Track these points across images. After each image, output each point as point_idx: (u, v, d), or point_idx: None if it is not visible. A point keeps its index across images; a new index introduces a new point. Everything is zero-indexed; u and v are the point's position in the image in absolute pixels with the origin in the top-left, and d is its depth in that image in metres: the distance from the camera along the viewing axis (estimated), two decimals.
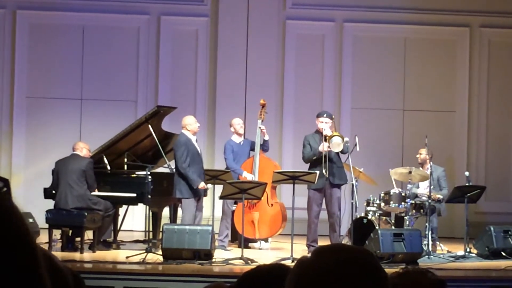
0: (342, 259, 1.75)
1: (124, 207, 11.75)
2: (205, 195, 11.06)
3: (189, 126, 10.94)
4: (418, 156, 12.04)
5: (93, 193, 10.73)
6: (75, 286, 3.73)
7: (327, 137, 10.76)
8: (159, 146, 11.13)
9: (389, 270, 3.02)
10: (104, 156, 11.34)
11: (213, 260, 9.80)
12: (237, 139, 11.71)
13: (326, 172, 10.73)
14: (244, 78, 14.06)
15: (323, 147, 10.75)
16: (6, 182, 1.28)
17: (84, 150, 10.90)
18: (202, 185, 10.65)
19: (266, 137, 11.65)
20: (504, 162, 14.45)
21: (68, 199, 10.52)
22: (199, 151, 10.97)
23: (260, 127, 11.62)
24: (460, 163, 14.28)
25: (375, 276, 1.75)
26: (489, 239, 10.69)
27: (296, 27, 14.40)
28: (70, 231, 10.70)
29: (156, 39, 14.24)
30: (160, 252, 9.93)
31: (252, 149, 11.74)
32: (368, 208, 11.37)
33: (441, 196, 11.67)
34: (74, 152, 10.84)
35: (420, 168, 11.78)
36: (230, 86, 14.04)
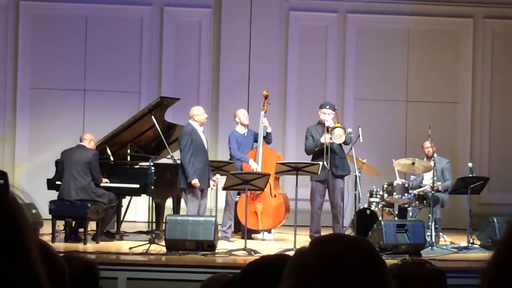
0: (340, 249, 1.75)
1: (127, 198, 11.75)
2: (209, 186, 11.02)
3: (197, 116, 10.91)
4: (428, 150, 11.90)
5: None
6: (87, 274, 3.74)
7: (329, 129, 10.77)
8: (162, 137, 11.14)
9: (391, 261, 3.01)
10: (107, 147, 11.35)
11: (216, 251, 9.81)
12: (241, 130, 11.70)
13: (327, 164, 10.73)
14: (247, 69, 14.05)
15: (325, 138, 10.76)
16: (4, 175, 1.24)
17: (91, 143, 10.88)
18: (195, 181, 10.58)
19: (269, 130, 11.64)
20: (507, 153, 14.44)
21: (71, 190, 10.52)
22: (205, 142, 10.93)
23: (262, 123, 11.60)
24: (463, 154, 14.26)
25: (373, 265, 1.75)
26: (492, 230, 10.69)
27: (299, 18, 14.38)
28: (74, 222, 10.72)
29: (159, 30, 14.24)
30: (163, 243, 9.94)
31: (256, 140, 11.73)
32: (371, 199, 11.37)
33: (440, 186, 11.62)
34: (81, 143, 10.82)
35: (425, 160, 11.77)
36: (233, 77, 14.03)
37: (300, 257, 1.78)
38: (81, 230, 10.65)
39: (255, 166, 11.38)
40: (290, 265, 1.78)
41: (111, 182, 10.94)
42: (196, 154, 10.69)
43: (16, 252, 1.10)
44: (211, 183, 10.90)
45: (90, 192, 10.54)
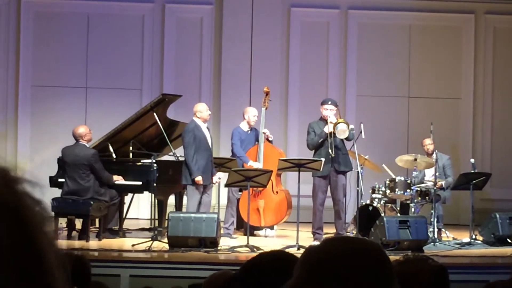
0: (351, 249, 1.76)
1: (130, 195, 11.76)
2: (212, 182, 11.01)
3: (199, 113, 10.91)
4: (428, 147, 11.93)
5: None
6: (79, 268, 3.75)
7: (332, 124, 10.76)
8: (164, 134, 11.14)
9: (394, 257, 3.02)
10: (109, 144, 11.35)
11: (219, 248, 9.81)
12: (245, 127, 11.70)
13: (331, 151, 10.69)
14: (249, 65, 14.04)
15: (329, 128, 10.73)
16: (29, 182, 1.19)
17: (87, 136, 10.79)
18: (198, 179, 10.58)
19: (271, 138, 11.74)
20: (509, 149, 14.43)
21: (73, 191, 10.50)
22: (209, 139, 10.92)
23: (263, 132, 11.65)
24: (465, 150, 14.26)
25: (382, 268, 1.76)
26: (495, 226, 10.69)
27: (300, 15, 14.38)
28: (82, 221, 10.71)
29: (161, 27, 14.23)
30: (165, 240, 9.95)
31: (257, 139, 11.74)
32: (374, 196, 11.38)
33: (443, 183, 11.64)
34: (80, 142, 10.76)
35: (426, 156, 11.78)
36: (235, 74, 14.03)
37: (310, 254, 1.79)
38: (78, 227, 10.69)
39: (257, 165, 11.37)
40: (299, 262, 1.79)
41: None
42: (199, 150, 10.69)
43: (27, 254, 1.06)
44: (214, 179, 10.89)
45: (92, 192, 10.52)
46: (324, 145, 10.82)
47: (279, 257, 2.64)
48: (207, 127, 11.04)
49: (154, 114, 11.20)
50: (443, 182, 11.65)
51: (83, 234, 10.60)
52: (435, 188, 11.15)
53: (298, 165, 10.39)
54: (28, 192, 1.09)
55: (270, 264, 2.60)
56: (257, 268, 2.63)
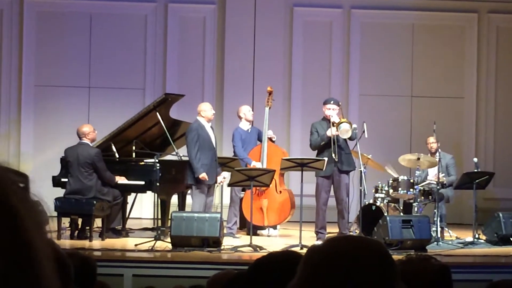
0: (354, 248, 1.76)
1: (133, 195, 11.75)
2: (216, 182, 11.00)
3: (203, 112, 10.92)
4: (431, 145, 11.94)
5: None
6: (85, 269, 3.74)
7: (335, 124, 10.74)
8: (167, 134, 11.14)
9: (397, 256, 3.02)
10: (112, 144, 11.35)
11: (222, 247, 9.81)
12: (245, 126, 11.70)
13: (335, 155, 10.68)
14: (251, 65, 14.05)
15: (331, 131, 10.72)
16: (25, 178, 1.20)
17: (90, 135, 10.78)
18: (203, 175, 10.58)
19: (274, 139, 11.81)
20: None
21: (76, 190, 10.50)
22: (212, 138, 10.92)
23: (268, 135, 11.68)
24: (468, 149, 14.25)
25: (385, 267, 1.76)
26: (498, 225, 10.68)
27: (303, 14, 14.38)
28: (81, 221, 10.70)
29: (164, 27, 14.24)
30: (168, 239, 9.94)
31: (259, 138, 11.73)
32: (377, 195, 11.37)
33: (445, 180, 11.62)
34: (82, 141, 10.77)
35: (429, 155, 11.77)
36: (237, 73, 14.04)
37: (313, 253, 1.78)
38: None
39: (259, 166, 11.36)
40: (302, 261, 1.79)
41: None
42: (203, 150, 10.69)
43: (20, 253, 1.07)
44: (219, 179, 10.88)
45: (95, 192, 10.52)
46: (327, 147, 10.81)
47: (288, 257, 2.64)
48: (211, 127, 11.04)
49: (157, 113, 11.20)
50: (445, 178, 11.64)
51: (82, 233, 10.62)
52: (438, 187, 11.14)
53: (301, 165, 10.39)
54: (23, 187, 1.11)
55: (279, 264, 2.60)
56: (266, 267, 2.63)
